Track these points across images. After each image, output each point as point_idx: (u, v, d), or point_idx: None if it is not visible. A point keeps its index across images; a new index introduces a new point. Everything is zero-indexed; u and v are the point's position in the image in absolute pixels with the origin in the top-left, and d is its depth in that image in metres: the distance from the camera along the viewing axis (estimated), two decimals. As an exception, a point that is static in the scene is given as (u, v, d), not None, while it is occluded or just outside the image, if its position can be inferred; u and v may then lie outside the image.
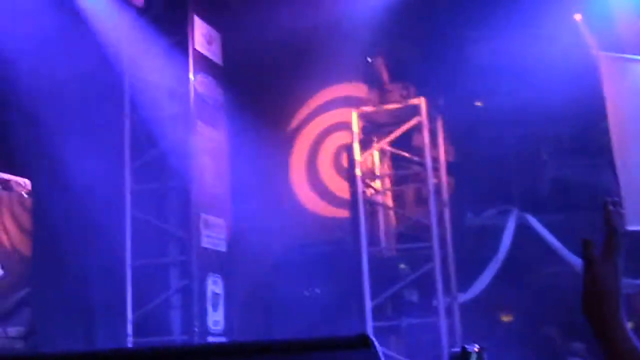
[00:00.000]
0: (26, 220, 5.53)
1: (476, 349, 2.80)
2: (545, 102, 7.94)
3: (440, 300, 7.92)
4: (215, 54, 8.46)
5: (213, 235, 7.94)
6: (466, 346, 2.81)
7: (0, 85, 6.93)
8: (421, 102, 8.29)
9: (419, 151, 8.35)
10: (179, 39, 8.02)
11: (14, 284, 5.31)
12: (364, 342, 1.75)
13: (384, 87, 8.45)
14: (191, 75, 7.94)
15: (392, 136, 8.57)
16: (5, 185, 5.37)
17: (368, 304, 8.11)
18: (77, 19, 7.32)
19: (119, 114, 8.01)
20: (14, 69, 6.97)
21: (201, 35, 8.22)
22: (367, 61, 8.40)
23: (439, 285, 7.95)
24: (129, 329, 7.58)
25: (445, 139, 8.63)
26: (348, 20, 7.97)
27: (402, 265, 8.42)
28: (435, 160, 8.44)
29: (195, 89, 7.97)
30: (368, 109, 8.57)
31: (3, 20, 6.39)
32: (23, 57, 7.03)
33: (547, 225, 8.49)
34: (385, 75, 8.36)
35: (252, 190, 8.71)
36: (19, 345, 5.21)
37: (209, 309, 7.65)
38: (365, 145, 8.60)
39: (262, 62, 8.29)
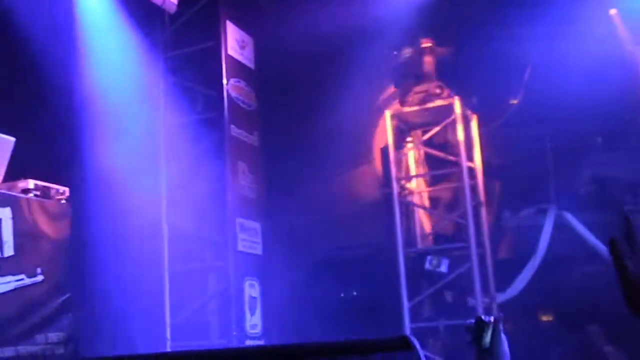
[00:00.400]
0: (65, 227, 5.60)
1: (492, 320, 2.78)
2: (582, 99, 7.82)
3: (479, 301, 7.84)
4: (248, 58, 8.50)
5: (249, 238, 7.97)
6: (482, 317, 2.80)
7: (46, 94, 7.05)
8: (455, 101, 8.23)
9: (454, 151, 8.28)
10: (212, 44, 8.08)
11: (54, 290, 5.37)
12: (405, 344, 1.74)
13: (421, 84, 8.38)
14: (224, 80, 7.99)
15: (427, 136, 8.52)
16: (45, 193, 5.44)
17: (405, 306, 8.06)
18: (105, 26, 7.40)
19: (154, 119, 8.09)
20: (55, 78, 7.09)
21: (234, 40, 8.27)
22: (395, 55, 8.31)
23: (477, 286, 7.87)
24: (168, 333, 7.65)
25: (480, 138, 8.55)
26: (380, 22, 7.94)
27: (434, 262, 8.33)
28: (470, 159, 8.37)
29: (228, 93, 8.02)
30: (402, 108, 8.53)
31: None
32: (65, 68, 7.15)
33: (585, 224, 8.37)
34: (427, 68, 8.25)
35: (286, 193, 8.72)
36: (60, 351, 5.28)
37: (247, 312, 7.68)
38: (399, 145, 8.56)
39: (295, 65, 8.29)
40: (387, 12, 7.87)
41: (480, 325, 2.70)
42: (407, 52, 8.44)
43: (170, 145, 8.12)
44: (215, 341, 7.74)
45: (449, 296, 8.28)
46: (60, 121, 7.29)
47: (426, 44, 8.32)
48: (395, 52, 8.39)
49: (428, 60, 8.38)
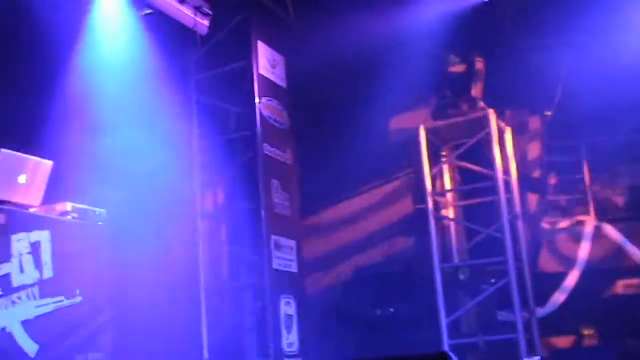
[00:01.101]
0: (103, 248, 5.66)
1: None
2: (618, 109, 7.73)
3: (518, 316, 7.72)
4: (279, 77, 8.56)
5: (284, 256, 7.97)
6: (525, 359, 2.74)
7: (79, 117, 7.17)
8: (489, 114, 8.17)
9: (489, 164, 8.20)
10: (244, 64, 8.15)
11: (93, 311, 5.43)
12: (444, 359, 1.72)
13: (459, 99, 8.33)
14: (257, 99, 8.05)
15: (461, 150, 8.46)
16: (82, 215, 5.52)
17: (443, 322, 7.98)
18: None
19: (188, 140, 8.17)
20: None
21: (265, 60, 8.33)
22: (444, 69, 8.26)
23: (516, 300, 7.76)
24: (206, 352, 7.66)
25: (515, 150, 8.47)
26: (411, 38, 7.94)
27: (461, 276, 8.26)
28: (506, 172, 8.30)
29: (261, 112, 8.07)
30: (435, 123, 8.49)
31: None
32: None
33: (624, 234, 8.23)
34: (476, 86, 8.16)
35: (321, 210, 8.73)
36: (101, 371, 5.33)
37: (283, 330, 7.67)
38: (433, 160, 8.51)
39: (326, 83, 8.32)
40: (417, 27, 7.86)
41: None
42: (458, 67, 8.35)
43: (204, 165, 8.18)
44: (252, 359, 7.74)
45: (488, 312, 8.17)
46: (94, 142, 7.40)
47: (479, 62, 8.23)
48: (447, 63, 8.29)
49: (478, 78, 8.30)
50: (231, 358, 7.77)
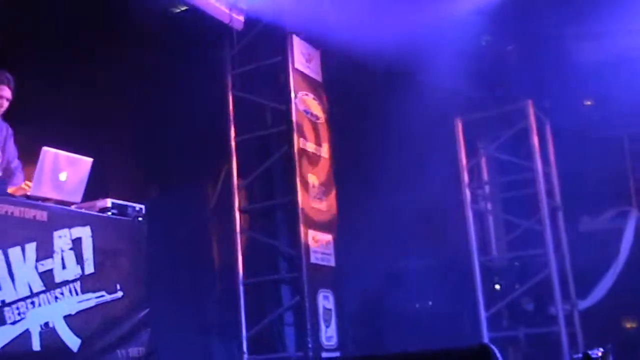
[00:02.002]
0: (142, 243, 5.71)
1: (599, 354, 2.63)
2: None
3: (559, 308, 7.62)
4: (314, 71, 8.54)
5: (322, 250, 7.98)
6: (589, 352, 2.65)
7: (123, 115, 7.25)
8: (528, 105, 8.06)
9: (528, 155, 8.10)
10: (279, 59, 8.16)
11: (134, 305, 5.47)
12: (484, 352, 1.70)
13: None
14: (292, 94, 8.05)
15: (499, 142, 8.37)
16: (122, 210, 5.57)
17: (483, 315, 7.91)
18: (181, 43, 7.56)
19: (225, 135, 8.23)
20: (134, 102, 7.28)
21: (300, 54, 8.33)
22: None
23: (557, 293, 7.67)
24: (245, 346, 7.71)
25: (555, 141, 8.36)
26: (446, 29, 7.86)
27: (497, 287, 8.20)
28: (545, 163, 8.19)
29: (297, 107, 8.07)
30: (472, 114, 8.41)
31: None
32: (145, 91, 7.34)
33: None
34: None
35: (358, 203, 8.70)
36: (140, 366, 5.38)
37: (322, 324, 7.67)
38: (471, 152, 8.43)
39: (363, 75, 8.28)
40: (451, 18, 7.77)
41: None
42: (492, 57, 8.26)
43: (241, 160, 8.22)
44: (291, 354, 7.76)
45: (528, 304, 8.08)
46: (136, 139, 7.49)
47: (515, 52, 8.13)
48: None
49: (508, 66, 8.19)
50: (270, 353, 7.80)
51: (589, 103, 8.52)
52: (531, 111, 8.07)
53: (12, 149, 5.49)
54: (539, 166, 8.01)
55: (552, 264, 7.73)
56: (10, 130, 5.49)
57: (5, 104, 5.27)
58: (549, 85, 8.09)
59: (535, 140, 8.06)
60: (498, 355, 1.50)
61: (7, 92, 5.24)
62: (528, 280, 7.98)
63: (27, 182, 4.95)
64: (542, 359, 7.82)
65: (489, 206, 8.80)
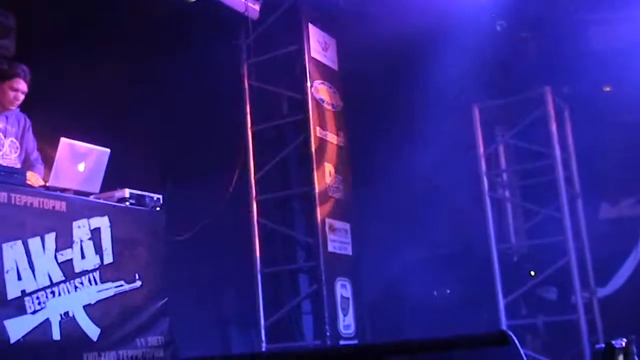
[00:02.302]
0: (160, 233, 5.74)
1: (623, 344, 2.59)
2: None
3: (579, 296, 7.58)
4: (331, 59, 8.52)
5: (339, 239, 7.98)
6: (612, 342, 2.61)
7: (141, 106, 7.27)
8: (546, 91, 7.99)
9: (547, 142, 8.04)
10: (295, 48, 8.14)
11: (152, 295, 5.50)
12: (503, 339, 1.69)
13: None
14: (308, 82, 8.03)
15: (517, 129, 8.30)
16: (140, 201, 5.60)
17: (501, 302, 7.89)
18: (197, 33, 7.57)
19: (241, 125, 8.23)
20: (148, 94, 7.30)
21: (316, 42, 8.31)
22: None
23: (576, 281, 7.62)
24: (263, 335, 7.74)
25: (573, 127, 8.28)
26: (462, 15, 7.80)
27: (532, 273, 8.15)
28: (564, 150, 8.12)
29: (313, 95, 8.05)
30: (489, 101, 8.35)
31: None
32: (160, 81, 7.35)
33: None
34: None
35: (375, 191, 8.68)
36: (160, 355, 5.41)
37: (340, 313, 7.68)
38: (488, 139, 8.38)
39: (379, 64, 8.24)
40: (469, 5, 7.71)
41: (611, 351, 2.48)
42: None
43: (257, 149, 8.23)
44: (309, 342, 7.79)
45: (550, 293, 8.05)
46: (153, 129, 7.51)
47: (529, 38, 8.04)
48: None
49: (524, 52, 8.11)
50: (288, 341, 7.83)
51: (608, 89, 8.42)
52: (549, 97, 8.00)
53: (30, 140, 5.53)
54: (557, 153, 7.95)
55: (571, 252, 7.69)
56: (28, 122, 5.53)
57: (21, 97, 5.31)
58: (567, 72, 8.00)
59: (553, 127, 7.99)
60: (516, 342, 1.49)
61: (23, 85, 5.28)
62: (547, 268, 7.93)
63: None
64: (561, 347, 7.78)
65: (507, 194, 8.75)
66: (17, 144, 5.41)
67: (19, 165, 5.28)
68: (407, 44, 7.87)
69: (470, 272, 8.33)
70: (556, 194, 7.89)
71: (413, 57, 8.18)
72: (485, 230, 8.13)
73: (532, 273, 8.11)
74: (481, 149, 8.31)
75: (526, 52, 8.12)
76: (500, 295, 7.91)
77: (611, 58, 7.95)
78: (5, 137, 5.35)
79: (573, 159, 8.34)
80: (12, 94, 5.25)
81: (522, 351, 1.40)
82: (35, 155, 5.52)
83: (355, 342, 7.75)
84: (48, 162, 5.15)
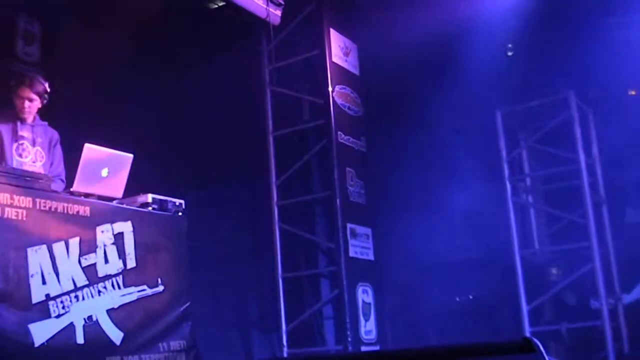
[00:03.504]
0: (182, 238, 5.77)
1: None
2: None
3: (604, 302, 7.49)
4: (352, 64, 8.52)
5: (360, 244, 7.96)
6: None
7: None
8: (570, 95, 7.92)
9: (571, 147, 7.96)
10: (317, 53, 8.14)
11: (175, 299, 5.53)
12: (528, 346, 1.66)
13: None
14: (330, 87, 8.04)
15: (541, 133, 8.23)
16: (162, 206, 5.63)
17: (524, 309, 7.82)
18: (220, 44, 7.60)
19: (263, 130, 8.25)
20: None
21: (338, 47, 8.31)
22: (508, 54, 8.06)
23: (601, 287, 7.53)
24: (284, 339, 7.73)
25: (598, 131, 8.19)
26: (484, 20, 7.76)
27: (554, 271, 8.06)
28: (588, 155, 8.03)
29: (334, 100, 8.05)
30: (513, 105, 8.29)
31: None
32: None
33: None
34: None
35: (396, 196, 8.65)
36: (181, 359, 5.43)
37: (361, 318, 7.66)
38: (511, 144, 8.32)
39: (400, 68, 8.21)
40: (489, 7, 7.66)
41: None
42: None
43: (279, 155, 8.24)
44: (331, 347, 7.77)
45: (571, 298, 7.96)
46: (175, 135, 7.56)
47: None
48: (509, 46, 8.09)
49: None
50: (309, 346, 7.82)
51: (633, 92, 8.32)
52: (574, 101, 7.93)
53: (57, 154, 5.58)
54: (582, 158, 7.87)
55: (596, 257, 7.60)
56: (56, 136, 5.58)
57: (29, 104, 5.35)
58: (592, 75, 7.92)
59: (578, 131, 7.91)
60: (542, 349, 1.47)
61: (28, 93, 5.35)
62: (571, 273, 7.85)
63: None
64: (585, 354, 7.69)
65: (531, 199, 8.68)
66: (44, 154, 5.47)
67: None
68: (429, 49, 7.84)
69: (493, 278, 8.27)
70: (581, 199, 7.80)
71: (435, 62, 8.15)
72: (508, 236, 8.06)
73: (554, 271, 8.03)
74: (504, 154, 8.25)
75: (551, 56, 8.05)
76: (523, 301, 7.84)
77: (636, 61, 7.85)
78: (33, 145, 5.41)
79: (598, 163, 8.25)
80: (20, 102, 5.33)
81: (548, 359, 1.38)
82: (58, 170, 5.56)
83: (376, 347, 7.72)
84: (72, 167, 5.19)
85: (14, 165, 5.18)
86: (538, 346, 1.50)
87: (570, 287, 7.89)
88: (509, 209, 8.12)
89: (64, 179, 5.57)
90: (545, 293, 7.92)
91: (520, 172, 8.65)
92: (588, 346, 7.66)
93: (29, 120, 5.44)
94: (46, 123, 5.53)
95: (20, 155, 5.33)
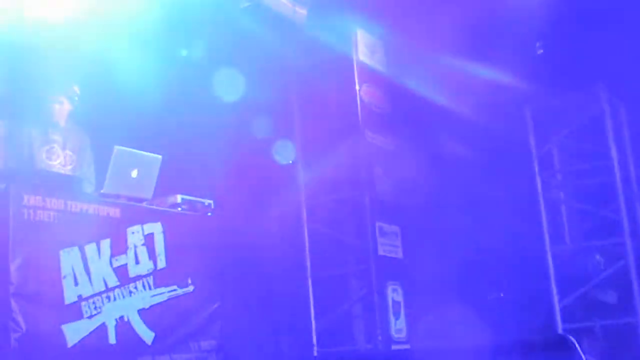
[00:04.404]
0: (211, 238, 5.79)
1: None
2: None
3: (637, 299, 7.38)
4: (379, 62, 8.47)
5: (389, 242, 7.92)
6: None
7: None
8: (602, 89, 7.81)
9: (603, 142, 7.84)
10: (344, 52, 8.12)
11: (205, 299, 5.56)
12: (564, 343, 1.63)
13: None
14: (357, 86, 8.01)
15: (572, 128, 8.12)
16: (192, 206, 5.66)
17: (556, 306, 7.73)
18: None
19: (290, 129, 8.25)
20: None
21: (364, 46, 8.27)
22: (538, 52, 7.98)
23: (635, 283, 7.42)
24: (314, 339, 7.73)
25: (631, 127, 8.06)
26: (513, 15, 7.67)
27: (597, 256, 7.95)
28: (621, 150, 7.91)
29: (361, 99, 8.02)
30: (544, 101, 8.19)
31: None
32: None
33: None
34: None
35: (425, 194, 8.59)
36: (212, 358, 5.45)
37: (391, 317, 7.63)
38: (542, 139, 8.22)
39: (427, 65, 8.16)
40: (522, 3, 7.58)
41: None
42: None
43: (306, 153, 8.23)
44: (361, 346, 7.75)
45: (605, 295, 7.85)
46: (203, 136, 7.58)
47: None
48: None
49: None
50: (340, 345, 7.80)
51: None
52: (605, 95, 7.81)
53: (86, 158, 5.62)
54: (614, 153, 7.75)
55: (629, 254, 7.49)
56: (86, 140, 5.63)
57: (65, 110, 5.40)
58: (623, 68, 7.79)
59: (609, 125, 7.80)
60: (577, 346, 1.44)
61: (64, 98, 5.39)
62: (604, 270, 7.74)
63: None
64: (620, 351, 7.58)
65: (562, 195, 8.57)
66: (75, 157, 5.52)
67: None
68: (457, 44, 7.78)
69: (524, 275, 8.18)
70: (613, 194, 7.69)
71: (463, 57, 8.07)
72: (540, 232, 7.97)
73: (598, 257, 7.92)
74: (534, 150, 8.16)
75: (581, 49, 7.93)
76: (555, 299, 7.75)
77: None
78: (63, 149, 5.47)
79: (630, 158, 8.12)
80: (51, 105, 5.39)
81: (583, 356, 1.35)
82: (88, 174, 5.60)
83: (407, 346, 7.68)
84: (102, 169, 5.24)
85: (43, 169, 5.24)
86: (574, 343, 1.47)
87: (604, 284, 7.78)
88: (540, 205, 8.03)
89: (93, 181, 5.62)
90: (578, 289, 7.82)
91: (551, 167, 8.54)
92: (622, 343, 7.55)
93: (61, 123, 5.50)
94: (77, 127, 5.58)
95: (49, 159, 5.39)
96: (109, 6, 6.41)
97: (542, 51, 7.95)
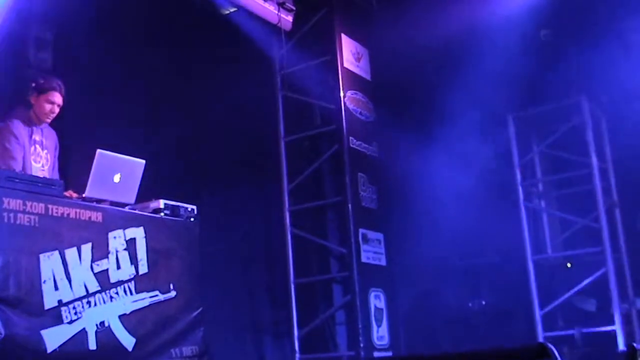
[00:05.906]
0: (194, 243, 5.77)
1: None
2: None
3: (617, 307, 7.44)
4: (363, 69, 8.51)
5: (372, 249, 7.94)
6: (634, 344, 2.59)
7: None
8: (583, 100, 7.88)
9: (584, 152, 7.92)
10: (328, 58, 8.15)
11: (187, 305, 5.53)
12: (542, 351, 1.65)
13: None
14: (341, 93, 8.03)
15: (553, 137, 8.19)
16: (174, 211, 5.63)
17: (537, 314, 7.78)
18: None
19: (274, 135, 8.26)
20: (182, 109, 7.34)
21: (349, 53, 8.31)
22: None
23: (614, 292, 7.48)
24: (297, 345, 7.72)
25: (611, 136, 8.14)
26: (495, 24, 7.74)
27: (568, 264, 8.02)
28: (601, 159, 7.99)
29: (346, 106, 8.05)
30: (525, 110, 8.26)
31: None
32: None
33: None
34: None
35: (407, 202, 8.63)
36: (194, 365, 5.42)
37: (373, 324, 7.64)
38: (523, 148, 8.28)
39: (411, 73, 8.21)
40: (503, 13, 7.65)
41: (632, 353, 2.48)
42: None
43: (291, 160, 8.24)
44: (343, 353, 7.75)
45: (585, 303, 7.92)
46: (187, 140, 7.56)
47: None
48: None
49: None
50: (322, 352, 7.80)
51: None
52: (586, 106, 7.89)
53: (56, 158, 5.58)
54: (594, 162, 7.83)
55: (609, 263, 7.56)
56: (56, 138, 5.57)
57: (57, 110, 5.37)
58: (604, 79, 7.88)
59: (590, 135, 7.88)
60: (557, 354, 1.45)
61: (59, 98, 5.34)
62: (584, 279, 7.81)
63: (71, 192, 5.02)
64: (600, 359, 7.64)
65: (543, 203, 8.64)
66: (49, 157, 5.48)
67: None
68: (441, 54, 7.83)
69: (506, 283, 8.23)
70: (593, 203, 7.76)
71: (447, 67, 8.13)
72: (521, 241, 8.03)
73: (569, 265, 7.99)
74: (516, 159, 8.21)
75: (563, 60, 8.01)
76: (536, 307, 7.80)
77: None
78: (42, 149, 5.42)
79: (610, 168, 8.20)
80: (48, 106, 5.32)
81: (562, 364, 1.36)
82: (56, 174, 5.55)
83: (389, 353, 7.69)
84: (84, 173, 5.21)
85: (31, 172, 5.19)
86: (553, 352, 1.48)
87: (583, 292, 7.84)
88: (522, 214, 8.09)
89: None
90: (558, 298, 7.88)
91: (533, 176, 8.61)
92: (601, 351, 7.61)
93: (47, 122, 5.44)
94: (48, 124, 5.51)
95: (35, 161, 5.35)
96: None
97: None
